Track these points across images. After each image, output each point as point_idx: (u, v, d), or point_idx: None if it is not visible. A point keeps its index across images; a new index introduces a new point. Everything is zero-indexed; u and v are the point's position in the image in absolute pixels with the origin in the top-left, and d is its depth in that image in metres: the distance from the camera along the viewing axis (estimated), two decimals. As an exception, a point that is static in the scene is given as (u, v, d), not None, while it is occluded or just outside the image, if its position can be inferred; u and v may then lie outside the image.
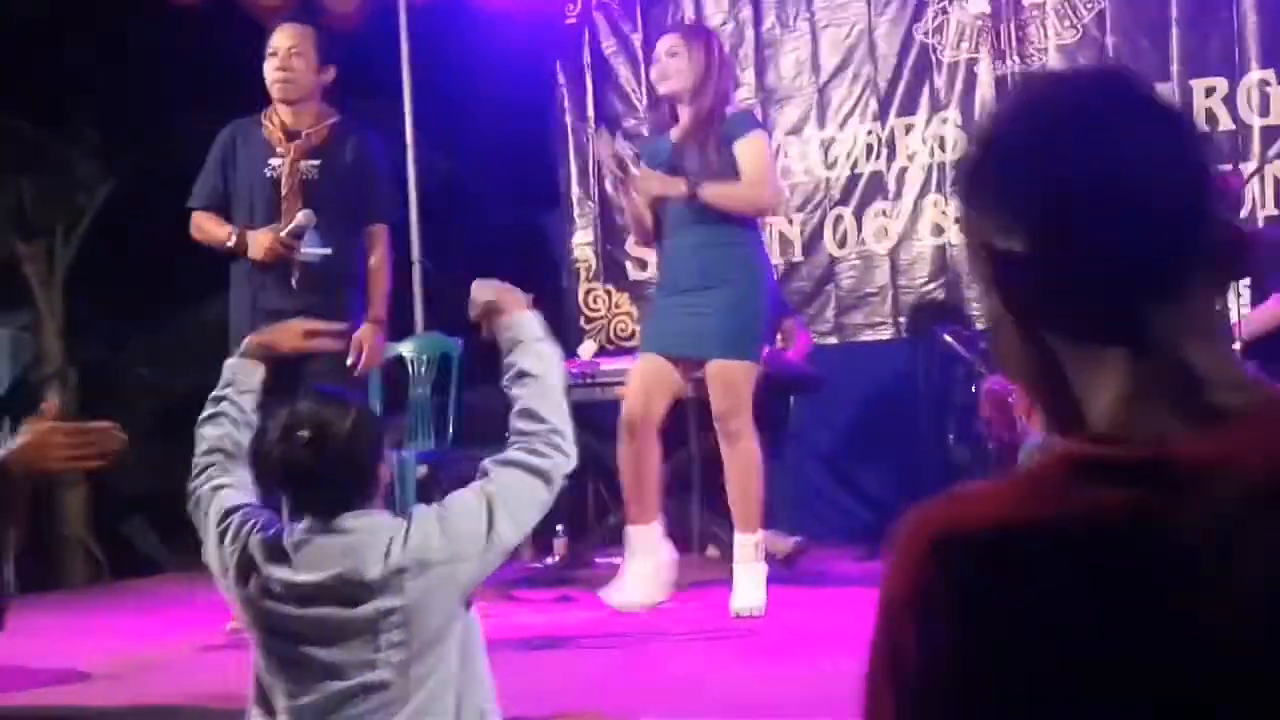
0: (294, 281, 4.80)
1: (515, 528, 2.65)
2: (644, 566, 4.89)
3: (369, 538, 2.57)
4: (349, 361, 4.79)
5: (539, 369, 2.74)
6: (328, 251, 4.79)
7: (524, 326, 2.80)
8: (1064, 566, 1.02)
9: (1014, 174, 1.12)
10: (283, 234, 4.79)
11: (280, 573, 2.60)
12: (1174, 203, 1.09)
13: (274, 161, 4.86)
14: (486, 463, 2.69)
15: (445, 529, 2.59)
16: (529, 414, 2.70)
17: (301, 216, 4.80)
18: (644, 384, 4.88)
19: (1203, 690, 1.00)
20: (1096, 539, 1.03)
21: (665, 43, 5.04)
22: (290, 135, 4.89)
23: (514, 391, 2.74)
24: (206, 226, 4.94)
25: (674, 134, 5.01)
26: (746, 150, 4.86)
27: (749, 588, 4.79)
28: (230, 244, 4.88)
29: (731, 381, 4.79)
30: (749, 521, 4.85)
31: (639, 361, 5.03)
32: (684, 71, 4.90)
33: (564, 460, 2.70)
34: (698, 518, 6.26)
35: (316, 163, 4.87)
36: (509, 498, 2.64)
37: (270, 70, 4.90)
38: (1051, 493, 1.05)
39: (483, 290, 2.88)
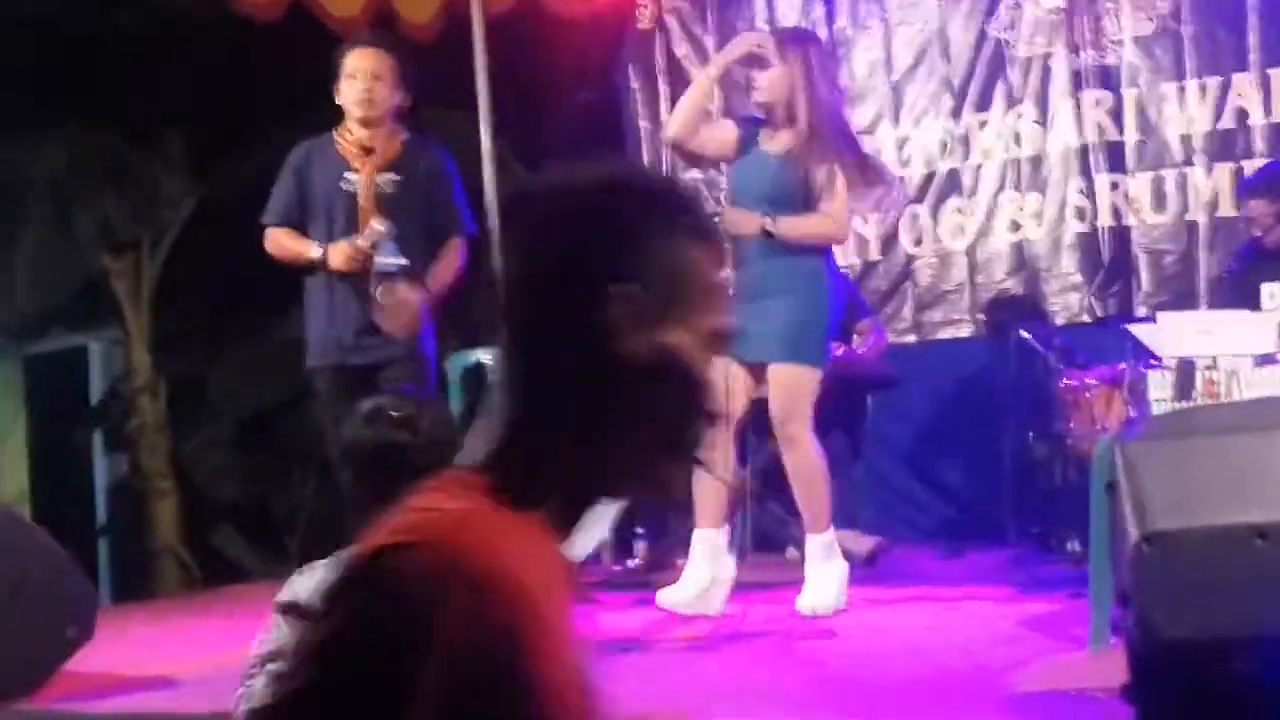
0: (374, 292, 4.86)
1: None
2: (700, 572, 4.87)
3: None
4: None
5: None
6: (405, 263, 4.85)
7: None
8: None
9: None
10: (360, 243, 4.85)
11: None
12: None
13: (350, 176, 4.96)
14: None
15: None
16: None
17: (378, 225, 4.86)
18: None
19: None
20: None
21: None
22: (366, 151, 4.96)
23: None
24: (285, 242, 5.02)
25: (766, 140, 4.96)
26: (829, 179, 4.83)
27: (818, 587, 4.82)
28: (312, 256, 4.95)
29: (789, 385, 4.80)
30: (817, 522, 4.86)
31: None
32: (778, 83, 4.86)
33: None
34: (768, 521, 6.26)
35: (393, 176, 4.96)
36: None
37: (352, 91, 4.97)
38: None
39: None
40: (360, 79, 4.96)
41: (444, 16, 7.37)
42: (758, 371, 4.90)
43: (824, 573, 4.84)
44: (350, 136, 5.00)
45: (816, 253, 4.91)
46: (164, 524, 8.70)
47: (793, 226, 4.81)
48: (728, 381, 4.85)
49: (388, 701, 1.12)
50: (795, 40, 5.10)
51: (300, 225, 5.01)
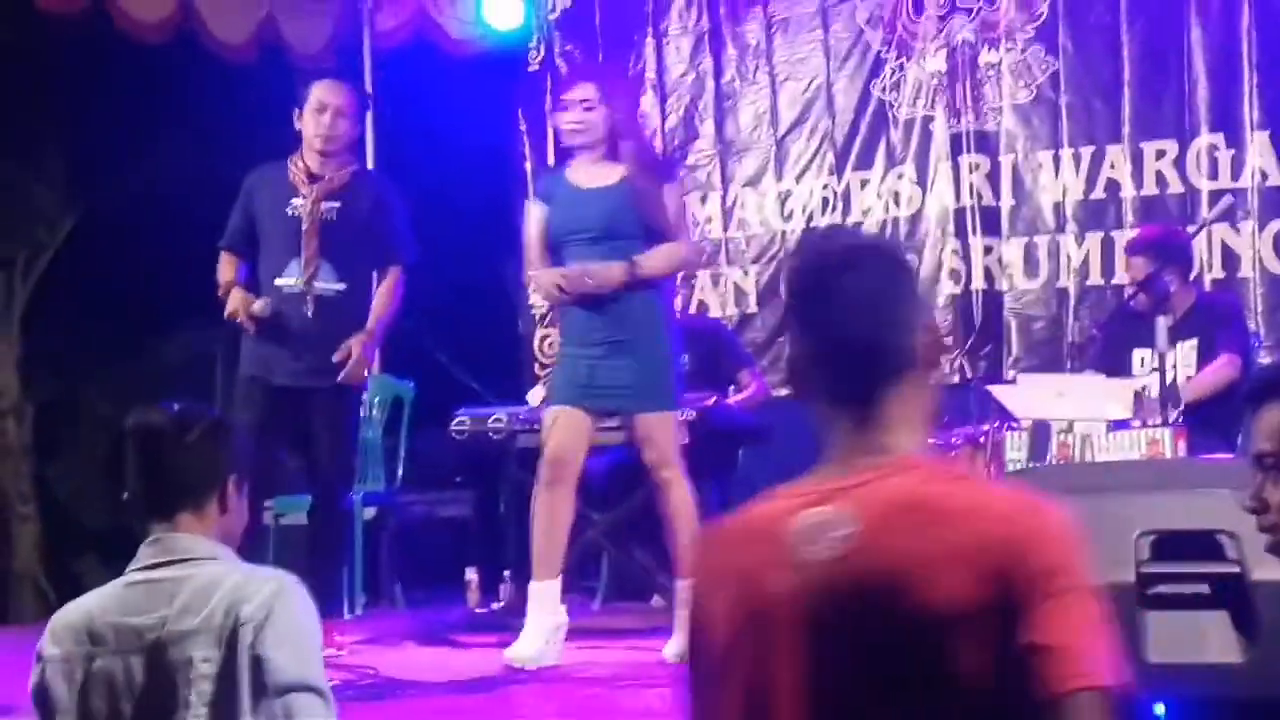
0: (309, 314, 5.01)
1: None
2: (544, 623, 4.82)
3: None
4: (335, 358, 4.95)
5: None
6: (342, 286, 5.04)
7: None
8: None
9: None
10: (254, 308, 5.01)
11: None
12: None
13: (296, 201, 5.09)
14: None
15: None
16: None
17: (258, 305, 5.03)
18: (564, 435, 4.82)
19: None
20: None
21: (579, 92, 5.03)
22: (313, 179, 5.11)
23: None
24: (221, 267, 5.17)
25: (579, 176, 4.98)
26: (672, 199, 4.92)
27: None
28: (221, 292, 5.12)
29: (658, 432, 4.83)
30: None
31: (554, 413, 4.91)
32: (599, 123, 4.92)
33: None
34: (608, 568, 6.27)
35: (336, 205, 5.11)
36: None
37: (317, 124, 5.11)
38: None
39: None
40: (329, 113, 5.11)
41: (333, 46, 7.37)
42: (600, 419, 4.90)
43: None
44: (301, 164, 5.15)
45: (658, 291, 4.93)
46: (23, 549, 8.54)
47: (654, 262, 4.83)
48: (563, 431, 4.82)
49: None
50: (613, 80, 5.33)
51: (247, 250, 5.16)
